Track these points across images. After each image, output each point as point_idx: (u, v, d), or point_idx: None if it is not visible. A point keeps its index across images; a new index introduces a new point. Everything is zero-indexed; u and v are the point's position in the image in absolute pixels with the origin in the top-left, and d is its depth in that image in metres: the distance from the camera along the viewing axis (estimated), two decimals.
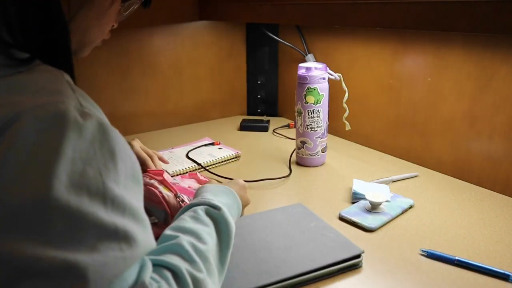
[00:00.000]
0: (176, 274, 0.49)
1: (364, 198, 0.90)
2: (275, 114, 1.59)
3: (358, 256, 0.70)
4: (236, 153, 1.17)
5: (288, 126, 1.44)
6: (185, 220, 0.59)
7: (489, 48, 0.91)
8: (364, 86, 1.22)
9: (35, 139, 0.40)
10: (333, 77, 1.11)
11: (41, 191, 0.39)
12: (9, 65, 0.45)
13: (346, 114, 1.17)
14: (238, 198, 0.72)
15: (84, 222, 0.40)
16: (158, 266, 0.49)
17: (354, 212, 0.85)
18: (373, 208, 0.86)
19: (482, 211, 0.87)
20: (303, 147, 1.11)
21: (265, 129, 1.42)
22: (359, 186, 0.94)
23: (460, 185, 0.99)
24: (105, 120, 0.46)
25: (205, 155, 1.16)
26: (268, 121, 1.46)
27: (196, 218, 0.60)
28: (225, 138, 1.34)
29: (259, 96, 1.59)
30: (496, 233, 0.79)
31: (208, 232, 0.58)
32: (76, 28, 0.53)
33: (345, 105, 1.16)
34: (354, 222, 0.83)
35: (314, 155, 1.10)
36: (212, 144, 1.25)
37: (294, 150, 1.16)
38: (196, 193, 0.71)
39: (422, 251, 0.73)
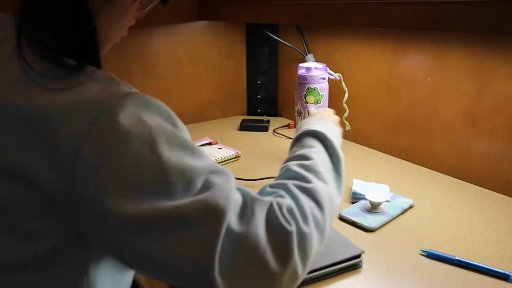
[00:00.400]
0: (286, 190, 0.55)
1: (364, 198, 0.90)
2: (275, 114, 1.59)
3: (358, 256, 0.70)
4: (236, 153, 1.17)
5: (288, 126, 1.44)
6: (293, 150, 0.68)
7: (489, 48, 0.91)
8: (364, 86, 1.22)
9: (131, 123, 0.45)
10: (333, 77, 1.11)
11: (154, 159, 0.44)
12: (65, 76, 0.47)
13: (346, 114, 1.17)
14: (335, 125, 0.76)
15: (191, 171, 0.46)
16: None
17: (354, 212, 0.85)
18: (373, 208, 0.86)
19: (482, 211, 0.87)
20: None
21: (265, 129, 1.42)
22: (359, 186, 0.94)
23: (460, 185, 0.99)
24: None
25: None
26: (268, 121, 1.46)
27: (302, 144, 0.67)
28: (225, 138, 1.34)
29: (259, 96, 1.59)
30: (496, 233, 0.79)
31: (314, 151, 0.64)
32: (99, 26, 0.54)
33: (345, 105, 1.16)
34: (354, 222, 0.83)
35: None
36: (210, 144, 1.25)
37: None
38: (297, 130, 0.77)
39: (422, 251, 0.73)
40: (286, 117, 1.56)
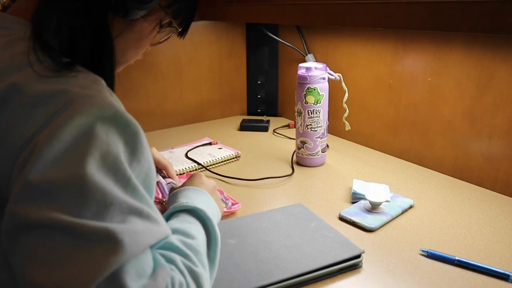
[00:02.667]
0: (176, 265, 0.51)
1: (364, 198, 0.90)
2: (275, 114, 1.59)
3: (359, 256, 0.70)
4: (236, 153, 1.17)
5: (288, 126, 1.44)
6: (170, 223, 0.60)
7: (489, 48, 0.91)
8: (364, 86, 1.22)
9: (80, 127, 0.44)
10: (333, 77, 1.11)
11: (77, 166, 0.43)
12: (54, 69, 0.48)
13: (346, 114, 1.17)
14: (213, 200, 0.71)
15: (112, 199, 0.44)
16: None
17: (354, 212, 0.85)
18: (373, 208, 0.86)
19: (482, 211, 0.87)
20: (303, 147, 1.11)
21: (265, 129, 1.42)
22: (359, 186, 0.94)
23: (460, 185, 0.99)
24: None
25: (205, 155, 1.16)
26: (268, 121, 1.46)
27: (180, 219, 0.61)
28: (225, 138, 1.34)
29: (259, 96, 1.59)
30: (496, 233, 0.79)
31: (195, 228, 0.59)
32: (116, 48, 0.56)
33: (345, 105, 1.16)
34: (354, 222, 0.83)
35: (314, 155, 1.10)
36: (210, 144, 1.25)
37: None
38: (169, 200, 0.70)
39: (422, 251, 0.73)
40: (286, 117, 1.56)
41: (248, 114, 1.62)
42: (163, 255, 0.51)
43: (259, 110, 1.60)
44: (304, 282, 0.66)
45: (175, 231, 0.56)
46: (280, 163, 1.14)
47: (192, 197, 0.67)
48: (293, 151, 1.18)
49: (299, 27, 1.38)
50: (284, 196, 0.96)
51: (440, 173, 1.06)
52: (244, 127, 1.43)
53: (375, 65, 1.18)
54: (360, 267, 0.70)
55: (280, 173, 1.07)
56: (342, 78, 1.12)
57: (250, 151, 1.24)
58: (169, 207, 0.65)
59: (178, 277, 0.49)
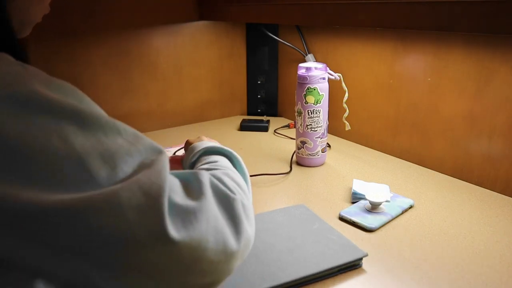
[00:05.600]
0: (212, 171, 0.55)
1: (364, 198, 0.90)
2: (275, 114, 1.59)
3: (361, 258, 0.70)
4: None
5: (288, 126, 1.44)
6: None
7: (489, 48, 0.91)
8: (364, 86, 1.22)
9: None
10: (333, 77, 1.11)
11: (67, 151, 0.40)
12: None
13: (346, 114, 1.17)
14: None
15: (113, 154, 0.43)
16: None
17: (354, 212, 0.85)
18: (373, 208, 0.86)
19: (482, 211, 0.87)
20: (303, 147, 1.11)
21: (265, 129, 1.42)
22: (359, 186, 0.94)
23: (460, 185, 0.99)
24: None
25: None
26: (268, 121, 1.46)
27: (200, 160, 0.66)
28: (225, 138, 1.34)
29: (259, 96, 1.59)
30: (496, 233, 0.79)
31: (217, 158, 0.64)
32: (16, 8, 0.50)
33: (345, 105, 1.16)
34: (354, 222, 0.83)
35: (314, 155, 1.10)
36: None
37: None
38: (184, 160, 0.73)
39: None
40: (286, 117, 1.56)
41: (248, 114, 1.62)
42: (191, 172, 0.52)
43: (259, 110, 1.60)
44: (304, 282, 0.66)
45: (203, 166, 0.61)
46: (280, 163, 1.14)
47: (204, 144, 0.70)
48: (293, 151, 1.18)
49: (299, 27, 1.38)
50: (285, 196, 0.96)
51: (440, 173, 1.06)
52: (244, 127, 1.43)
53: (375, 65, 1.18)
54: (360, 266, 0.70)
55: (281, 172, 1.07)
56: (342, 78, 1.12)
57: (250, 151, 1.24)
58: (185, 165, 0.71)
59: (218, 173, 0.53)
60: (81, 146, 0.41)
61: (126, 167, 0.43)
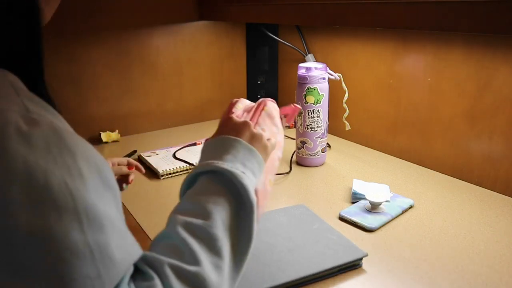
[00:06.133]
0: (158, 272, 0.42)
1: (364, 198, 0.90)
2: None
3: (361, 258, 0.70)
4: None
5: (288, 126, 1.44)
6: (186, 194, 0.51)
7: (489, 48, 0.91)
8: (364, 86, 1.22)
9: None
10: (333, 77, 1.11)
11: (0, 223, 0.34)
12: None
13: (346, 114, 1.17)
14: (253, 150, 0.55)
15: (54, 245, 0.35)
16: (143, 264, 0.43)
17: (354, 212, 0.85)
18: (373, 208, 0.86)
19: (482, 211, 0.87)
20: (303, 147, 1.11)
21: None
22: (359, 186, 0.94)
23: (460, 185, 0.99)
24: (60, 124, 0.40)
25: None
26: None
27: (197, 188, 0.51)
28: None
29: (259, 96, 1.59)
30: (496, 233, 0.79)
31: (214, 200, 0.48)
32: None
33: (345, 105, 1.16)
34: (354, 222, 0.83)
35: (314, 155, 1.10)
36: (194, 144, 1.25)
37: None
38: (201, 155, 0.57)
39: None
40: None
41: None
42: (148, 257, 0.43)
43: None
44: (304, 282, 0.66)
45: (182, 210, 0.47)
46: (280, 163, 1.14)
47: (221, 152, 0.53)
48: (293, 151, 1.18)
49: (299, 27, 1.38)
50: (285, 196, 0.96)
51: (440, 173, 1.06)
52: None
53: (375, 65, 1.18)
54: (360, 266, 0.70)
55: (279, 172, 1.07)
56: (342, 78, 1.12)
57: None
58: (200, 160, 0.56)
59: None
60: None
61: None
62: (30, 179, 0.35)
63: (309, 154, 1.10)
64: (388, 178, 1.03)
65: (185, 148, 1.22)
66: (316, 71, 1.05)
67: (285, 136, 1.35)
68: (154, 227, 0.84)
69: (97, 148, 0.52)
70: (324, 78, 1.06)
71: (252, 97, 1.59)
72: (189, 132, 1.42)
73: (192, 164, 1.10)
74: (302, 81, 1.06)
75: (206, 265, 0.44)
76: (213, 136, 0.58)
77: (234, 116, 0.59)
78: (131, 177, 0.88)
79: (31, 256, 0.34)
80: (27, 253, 0.34)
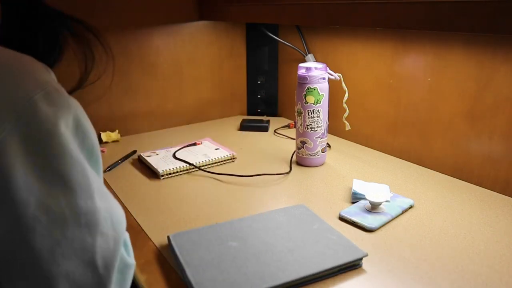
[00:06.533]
0: None
1: (364, 198, 0.90)
2: (275, 114, 1.59)
3: (362, 258, 0.70)
4: (232, 154, 1.17)
5: (288, 126, 1.44)
6: None
7: (489, 48, 0.91)
8: (364, 86, 1.22)
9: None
10: (333, 77, 1.11)
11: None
12: None
13: (346, 114, 1.17)
14: None
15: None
16: None
17: (354, 212, 0.85)
18: (373, 208, 0.86)
19: (482, 211, 0.87)
20: (303, 147, 1.11)
21: (265, 129, 1.42)
22: (359, 186, 0.94)
23: (460, 185, 0.99)
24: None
25: (200, 156, 1.16)
26: (268, 121, 1.46)
27: None
28: (225, 138, 1.34)
29: (259, 96, 1.59)
30: (496, 233, 0.79)
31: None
32: None
33: (345, 105, 1.16)
34: (354, 222, 0.83)
35: (314, 155, 1.10)
36: (194, 144, 1.25)
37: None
38: None
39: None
40: (286, 117, 1.56)
41: (248, 114, 1.62)
42: None
43: (259, 110, 1.60)
44: (304, 283, 0.66)
45: None
46: (280, 163, 1.14)
47: None
48: (293, 151, 1.18)
49: (299, 27, 1.38)
50: (285, 196, 0.96)
51: (440, 173, 1.06)
52: (244, 127, 1.43)
53: (375, 65, 1.18)
54: (360, 266, 0.70)
55: (279, 172, 1.07)
56: (342, 78, 1.12)
57: (250, 151, 1.24)
58: None
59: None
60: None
61: None
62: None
63: (309, 154, 1.10)
64: (388, 178, 1.03)
65: (185, 148, 1.22)
66: (316, 71, 1.05)
67: (286, 136, 1.36)
68: (154, 227, 0.84)
69: None
70: (324, 78, 1.06)
71: (252, 97, 1.60)
72: (189, 132, 1.42)
73: (192, 164, 1.10)
74: (302, 81, 1.06)
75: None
76: None
77: None
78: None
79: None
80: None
